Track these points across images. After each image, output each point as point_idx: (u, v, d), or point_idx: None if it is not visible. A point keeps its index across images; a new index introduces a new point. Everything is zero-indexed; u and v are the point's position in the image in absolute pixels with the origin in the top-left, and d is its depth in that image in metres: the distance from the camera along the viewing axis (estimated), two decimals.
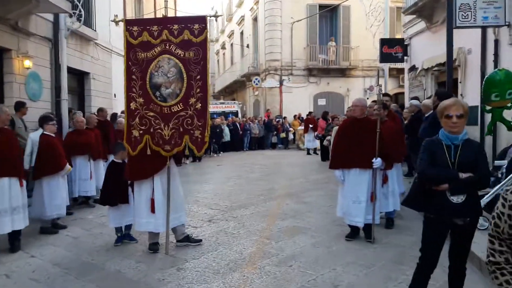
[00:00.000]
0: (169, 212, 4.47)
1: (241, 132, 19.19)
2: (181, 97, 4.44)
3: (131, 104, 4.55)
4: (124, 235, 4.84)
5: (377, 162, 4.70)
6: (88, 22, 9.99)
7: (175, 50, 4.46)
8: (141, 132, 4.49)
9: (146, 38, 4.51)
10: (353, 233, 4.95)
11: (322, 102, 22.28)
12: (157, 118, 4.47)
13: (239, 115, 21.21)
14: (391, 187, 5.42)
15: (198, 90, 4.42)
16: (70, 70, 9.38)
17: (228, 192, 8.28)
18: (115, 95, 13.12)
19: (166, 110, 4.46)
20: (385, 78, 15.93)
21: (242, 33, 27.96)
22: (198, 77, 4.42)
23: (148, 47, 4.52)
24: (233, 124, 19.10)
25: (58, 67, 8.53)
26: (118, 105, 13.30)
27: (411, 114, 8.29)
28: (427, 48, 12.01)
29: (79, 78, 10.78)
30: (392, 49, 13.38)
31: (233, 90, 30.21)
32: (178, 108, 4.44)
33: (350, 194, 4.82)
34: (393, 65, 22.43)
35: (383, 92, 18.59)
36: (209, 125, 4.47)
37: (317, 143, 16.04)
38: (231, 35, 30.96)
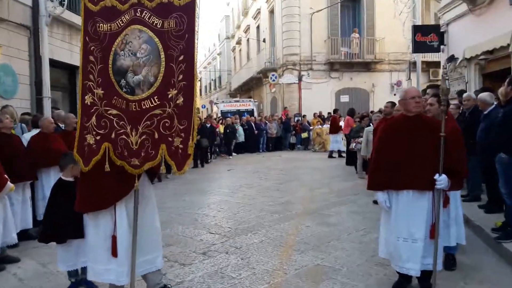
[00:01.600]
0: (136, 255, 3.09)
1: (256, 132, 17.79)
2: (156, 87, 3.02)
3: (86, 97, 3.18)
4: (81, 281, 3.49)
5: (441, 180, 3.19)
6: (77, 8, 8.73)
7: (149, 19, 3.05)
8: (98, 138, 3.11)
9: (110, 1, 3.14)
10: (404, 282, 3.47)
11: (345, 98, 20.68)
12: (121, 118, 3.08)
13: (255, 113, 19.80)
14: (453, 212, 3.90)
15: (180, 77, 2.98)
16: (57, 64, 8.16)
17: (235, 207, 6.87)
18: None
19: (134, 107, 3.06)
20: (418, 71, 14.22)
21: (258, 27, 26.53)
22: (182, 57, 2.98)
23: (113, 14, 3.13)
24: (247, 124, 17.71)
25: (39, 59, 7.30)
26: None
27: (460, 111, 6.72)
28: (469, 35, 10.32)
29: (70, 73, 9.55)
30: (427, 37, 11.73)
31: (249, 87, 28.83)
32: (152, 103, 3.03)
33: (399, 228, 3.31)
34: (422, 58, 20.66)
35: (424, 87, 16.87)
36: (195, 129, 3.04)
37: (342, 145, 14.50)
38: (247, 30, 29.56)
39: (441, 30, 11.70)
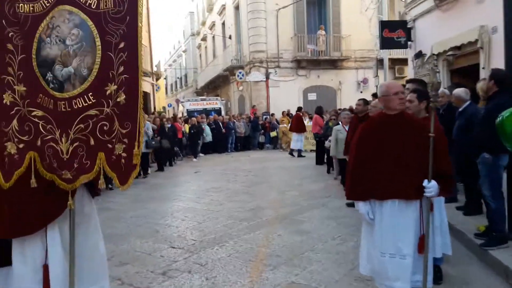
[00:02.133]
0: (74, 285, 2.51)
1: (224, 132, 17.22)
2: (91, 82, 2.44)
3: (4, 95, 2.56)
4: None
5: (431, 187, 2.80)
6: None
7: None
8: (21, 146, 2.50)
9: None
10: None
11: (312, 96, 20.47)
12: (48, 121, 2.50)
13: (223, 112, 19.23)
14: (438, 219, 3.53)
15: (121, 69, 2.41)
16: None
17: (201, 215, 6.32)
18: None
19: (63, 106, 2.48)
20: (385, 68, 14.18)
21: (223, 23, 25.93)
22: (122, 45, 2.41)
23: None
24: (215, 123, 17.11)
25: None
26: None
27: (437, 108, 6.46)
28: (436, 30, 10.21)
29: None
30: (394, 33, 11.58)
31: (216, 85, 28.19)
32: (85, 102, 2.44)
33: (385, 242, 2.88)
34: (389, 55, 20.73)
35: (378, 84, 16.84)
36: (141, 133, 2.48)
37: (301, 145, 14.17)
38: (212, 26, 28.89)
39: (408, 26, 11.58)
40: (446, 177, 2.92)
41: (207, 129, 16.55)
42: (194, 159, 14.60)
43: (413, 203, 2.88)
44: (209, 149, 16.85)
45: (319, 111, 13.06)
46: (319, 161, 11.68)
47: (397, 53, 20.70)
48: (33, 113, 2.51)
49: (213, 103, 19.74)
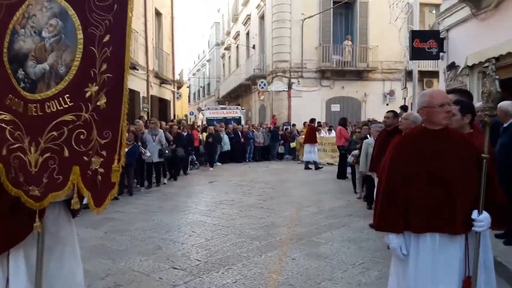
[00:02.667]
0: None
1: (243, 141, 16.84)
2: (68, 82, 2.04)
3: None
4: None
5: (483, 221, 2.27)
6: None
7: None
8: None
9: None
10: None
11: (335, 108, 19.88)
12: (17, 126, 2.11)
13: (243, 121, 18.86)
14: (482, 254, 2.96)
15: (104, 67, 1.99)
16: None
17: (210, 230, 5.87)
18: None
19: (34, 110, 2.09)
20: (414, 80, 13.47)
21: (248, 33, 25.74)
22: (107, 38, 2.00)
23: None
24: (233, 132, 16.75)
25: None
26: None
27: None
28: (472, 41, 9.55)
29: None
30: (426, 43, 10.94)
31: (238, 95, 27.94)
32: (60, 105, 2.04)
33: (421, 283, 2.35)
34: (417, 67, 19.98)
35: (404, 97, 16.04)
36: (123, 146, 2.06)
37: (316, 156, 13.61)
38: (236, 36, 28.76)
39: (441, 37, 10.93)
40: (499, 207, 2.38)
41: (225, 138, 16.21)
42: (211, 168, 14.21)
43: (458, 238, 2.34)
44: (226, 158, 16.50)
45: (343, 122, 12.47)
46: (341, 175, 11.10)
47: (426, 65, 19.95)
48: (0, 117, 2.13)
49: (233, 112, 19.42)
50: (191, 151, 13.20)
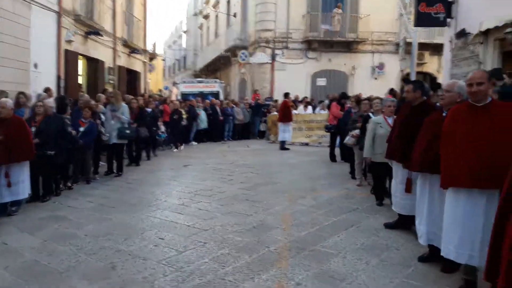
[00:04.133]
0: None
1: (221, 118, 15.35)
2: None
3: None
4: None
5: None
6: None
7: None
8: None
9: None
10: None
11: (321, 82, 18.53)
12: None
13: (221, 96, 17.29)
14: None
15: None
16: None
17: (184, 236, 4.50)
18: (36, 65, 9.12)
19: None
20: (413, 51, 12.18)
21: (228, 0, 23.77)
22: None
23: None
24: (211, 108, 15.21)
25: None
26: (41, 80, 9.33)
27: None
28: (486, 5, 8.29)
29: None
30: (432, 7, 9.60)
31: (216, 68, 26.19)
32: None
33: None
34: (409, 38, 18.75)
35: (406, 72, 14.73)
36: None
37: (289, 136, 12.34)
38: (216, 4, 26.69)
39: (449, 0, 9.59)
40: None
41: (202, 115, 14.67)
42: (175, 150, 12.32)
43: None
44: (203, 137, 15.02)
45: (343, 97, 10.93)
46: (332, 157, 9.90)
47: (418, 37, 18.71)
48: None
49: (210, 86, 17.75)
50: (155, 131, 10.95)
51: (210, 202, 5.91)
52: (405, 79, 9.95)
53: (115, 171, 8.25)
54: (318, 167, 9.10)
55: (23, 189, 5.54)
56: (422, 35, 18.83)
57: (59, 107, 7.06)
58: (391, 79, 19.02)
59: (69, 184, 7.14)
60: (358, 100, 8.09)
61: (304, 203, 5.85)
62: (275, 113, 14.77)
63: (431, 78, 12.88)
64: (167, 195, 6.44)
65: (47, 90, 8.41)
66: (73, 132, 7.12)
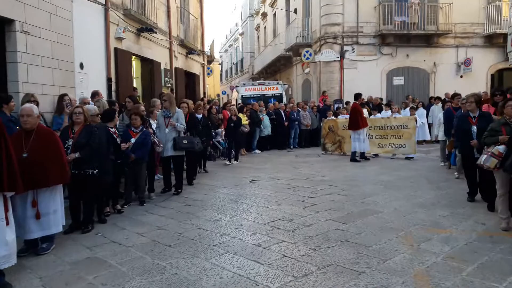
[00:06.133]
0: None
1: (286, 123, 13.78)
2: None
3: None
4: None
5: None
6: None
7: None
8: None
9: None
10: None
11: (399, 81, 16.39)
12: None
13: (284, 99, 15.71)
14: None
15: None
16: None
17: None
18: (81, 64, 8.06)
19: None
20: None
21: None
22: None
23: None
24: (275, 112, 13.70)
25: None
26: (88, 82, 8.27)
27: None
28: None
29: None
30: None
31: (275, 69, 24.68)
32: None
33: None
34: (497, 29, 16.09)
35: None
36: None
37: (365, 146, 10.27)
38: (273, 2, 25.27)
39: None
40: None
41: (265, 120, 13.21)
42: (234, 162, 10.50)
43: None
44: (267, 144, 13.55)
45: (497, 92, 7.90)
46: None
47: (505, 27, 16.01)
48: None
49: (273, 88, 16.21)
50: (207, 141, 9.23)
51: (295, 243, 4.29)
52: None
53: (173, 187, 6.97)
54: (422, 187, 7.11)
55: (56, 221, 4.30)
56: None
57: (105, 114, 5.85)
58: (480, 77, 16.44)
59: (119, 207, 5.91)
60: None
61: (435, 250, 4.03)
62: (333, 117, 12.88)
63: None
64: (237, 227, 4.91)
65: (95, 94, 7.31)
66: (123, 145, 5.88)
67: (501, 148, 4.51)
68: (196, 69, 17.18)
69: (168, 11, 12.82)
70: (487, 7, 16.21)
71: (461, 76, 16.58)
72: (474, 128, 5.57)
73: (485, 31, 16.41)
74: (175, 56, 13.67)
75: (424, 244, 4.19)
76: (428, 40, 16.24)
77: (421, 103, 14.05)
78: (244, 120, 12.31)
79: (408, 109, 12.31)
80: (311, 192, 6.77)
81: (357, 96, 10.73)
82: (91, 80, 8.16)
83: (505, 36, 16.13)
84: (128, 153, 6.00)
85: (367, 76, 15.92)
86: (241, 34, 38.52)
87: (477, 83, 15.76)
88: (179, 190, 6.99)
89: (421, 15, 15.88)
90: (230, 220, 5.24)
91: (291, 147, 13.93)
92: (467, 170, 5.95)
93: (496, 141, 4.61)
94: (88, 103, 6.40)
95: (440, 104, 14.28)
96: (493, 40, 16.37)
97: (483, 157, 4.69)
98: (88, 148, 4.90)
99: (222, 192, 7.04)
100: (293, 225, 4.95)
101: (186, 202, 6.34)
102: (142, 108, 6.90)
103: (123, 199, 6.27)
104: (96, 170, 5.00)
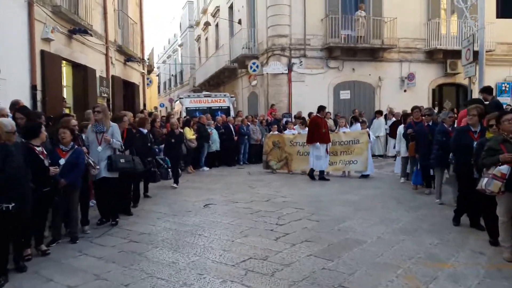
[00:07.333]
0: None
1: (235, 138, 12.93)
2: None
3: None
4: None
5: None
6: None
7: None
8: None
9: None
10: None
11: (345, 95, 16.26)
12: None
13: (232, 112, 14.87)
14: None
15: None
16: None
17: None
18: None
19: None
20: (481, 58, 9.91)
21: (231, 7, 21.63)
22: None
23: None
24: (224, 126, 12.81)
25: None
26: (7, 91, 6.81)
27: None
28: None
29: None
30: None
31: (219, 81, 23.84)
32: None
33: None
34: (438, 45, 16.67)
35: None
36: None
37: (326, 163, 9.74)
38: (216, 12, 24.55)
39: None
40: None
41: (214, 134, 12.26)
42: (175, 185, 8.85)
43: None
44: (215, 160, 12.58)
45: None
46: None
47: (450, 44, 16.71)
48: None
49: (220, 100, 15.28)
50: (149, 162, 7.61)
51: None
52: (485, 88, 7.60)
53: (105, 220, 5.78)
54: (393, 208, 6.54)
55: None
56: (451, 42, 16.85)
57: (28, 129, 4.62)
58: (422, 92, 16.90)
59: (44, 248, 4.65)
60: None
61: None
62: (277, 132, 12.27)
63: (484, 88, 10.62)
64: (200, 272, 3.90)
65: (15, 103, 5.93)
66: (52, 169, 4.64)
67: (503, 168, 4.00)
68: (135, 78, 15.80)
69: (105, 13, 11.47)
70: (427, 23, 16.75)
71: (405, 91, 16.92)
72: (475, 144, 4.95)
73: (426, 47, 16.92)
74: (112, 63, 12.27)
75: (433, 286, 3.51)
76: (374, 54, 16.38)
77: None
78: (191, 134, 11.29)
79: (359, 124, 11.99)
80: (278, 218, 5.94)
81: (320, 108, 10.13)
82: (10, 88, 6.71)
83: (444, 52, 16.80)
84: (57, 177, 4.76)
85: (315, 89, 15.62)
86: (180, 45, 37.29)
87: (420, 97, 16.13)
88: (117, 220, 5.82)
89: (367, 29, 15.98)
90: (189, 262, 4.22)
91: (241, 163, 13.08)
92: (464, 190, 5.28)
93: (496, 161, 4.09)
94: (6, 116, 5.09)
95: (381, 118, 14.39)
96: (433, 56, 16.91)
97: (484, 181, 4.14)
98: (2, 175, 3.69)
99: (173, 222, 5.95)
100: (269, 265, 4.06)
101: (130, 237, 5.19)
102: (74, 121, 5.66)
103: (50, 235, 5.01)
104: (13, 204, 3.79)
